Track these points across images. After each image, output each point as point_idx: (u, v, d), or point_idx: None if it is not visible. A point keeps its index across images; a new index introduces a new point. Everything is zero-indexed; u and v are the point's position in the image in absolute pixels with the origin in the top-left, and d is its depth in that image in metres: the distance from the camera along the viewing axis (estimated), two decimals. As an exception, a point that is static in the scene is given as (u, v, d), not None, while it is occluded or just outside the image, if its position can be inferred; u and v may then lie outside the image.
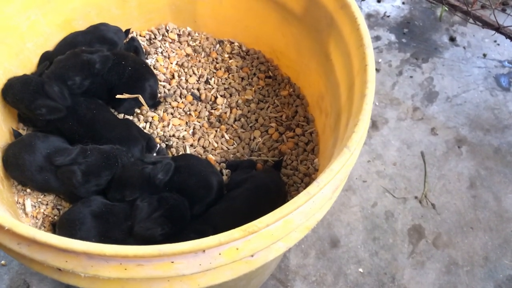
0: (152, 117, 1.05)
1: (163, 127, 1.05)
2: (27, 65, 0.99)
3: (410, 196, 1.31)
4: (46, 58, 1.01)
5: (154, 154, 1.00)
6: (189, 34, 1.20)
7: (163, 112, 1.07)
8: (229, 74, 1.14)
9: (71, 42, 1.04)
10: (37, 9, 0.94)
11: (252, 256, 0.67)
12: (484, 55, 1.61)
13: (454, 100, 1.50)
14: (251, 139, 1.05)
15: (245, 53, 1.17)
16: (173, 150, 1.02)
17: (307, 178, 0.97)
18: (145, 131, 1.03)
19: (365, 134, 0.72)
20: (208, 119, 1.07)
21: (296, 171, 0.99)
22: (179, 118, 1.07)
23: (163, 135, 1.04)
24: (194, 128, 1.05)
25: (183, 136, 1.04)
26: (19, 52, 0.96)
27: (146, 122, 1.05)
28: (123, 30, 1.12)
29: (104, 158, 0.88)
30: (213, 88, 1.11)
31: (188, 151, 1.01)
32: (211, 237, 0.60)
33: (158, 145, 1.02)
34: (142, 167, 0.88)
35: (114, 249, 0.58)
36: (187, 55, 1.17)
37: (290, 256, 1.20)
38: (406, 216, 1.28)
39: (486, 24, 1.44)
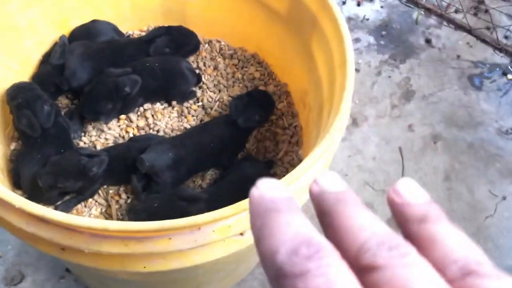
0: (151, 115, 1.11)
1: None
2: (26, 62, 1.04)
3: (389, 188, 1.38)
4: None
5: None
6: (178, 34, 1.26)
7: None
8: (217, 72, 1.20)
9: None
10: (37, 8, 0.99)
11: (242, 234, 0.73)
12: (458, 56, 1.69)
13: (430, 99, 1.58)
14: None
15: (232, 52, 1.23)
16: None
17: (292, 168, 1.03)
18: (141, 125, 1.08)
19: (346, 122, 0.78)
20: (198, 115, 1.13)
21: (281, 162, 1.06)
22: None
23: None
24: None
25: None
26: (19, 50, 1.00)
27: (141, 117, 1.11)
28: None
29: None
30: (203, 84, 1.17)
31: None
32: (205, 214, 0.66)
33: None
34: (79, 158, 0.91)
35: (117, 225, 0.64)
36: (177, 54, 1.22)
37: (276, 245, 1.26)
38: (385, 207, 1.34)
39: (458, 27, 1.53)
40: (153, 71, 1.06)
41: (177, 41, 1.15)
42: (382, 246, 0.20)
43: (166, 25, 1.18)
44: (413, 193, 0.25)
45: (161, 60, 1.09)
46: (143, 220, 0.85)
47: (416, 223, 0.23)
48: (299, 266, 0.18)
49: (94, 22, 1.14)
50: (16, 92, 0.95)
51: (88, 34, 1.12)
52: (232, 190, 0.95)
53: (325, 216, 0.24)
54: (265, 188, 0.23)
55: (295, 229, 0.20)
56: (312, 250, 0.19)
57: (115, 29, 1.17)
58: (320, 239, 0.20)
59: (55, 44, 1.08)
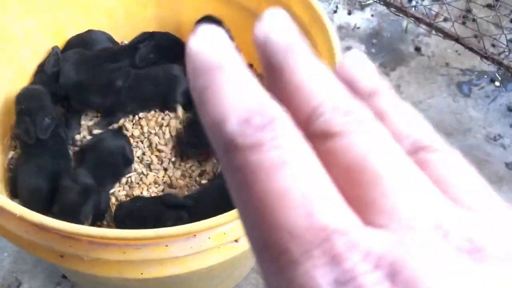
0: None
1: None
2: (21, 71, 1.05)
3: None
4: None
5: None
6: (172, 42, 1.27)
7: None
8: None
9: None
10: (33, 18, 1.01)
11: (236, 241, 0.75)
12: (447, 64, 1.73)
13: (419, 106, 1.61)
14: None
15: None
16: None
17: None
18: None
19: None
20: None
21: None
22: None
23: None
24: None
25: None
26: (14, 59, 1.02)
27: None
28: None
29: None
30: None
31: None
32: (201, 221, 0.68)
33: None
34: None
35: (115, 232, 0.66)
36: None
37: (269, 251, 1.28)
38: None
39: (446, 35, 1.56)
40: (150, 77, 1.08)
41: (161, 47, 1.16)
42: (338, 110, 0.18)
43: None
44: (362, 68, 0.22)
45: (158, 68, 1.11)
46: (125, 223, 0.89)
47: (365, 98, 0.20)
48: (251, 137, 0.16)
49: (89, 32, 1.16)
50: (23, 97, 0.97)
51: (83, 44, 1.14)
52: (219, 192, 0.95)
53: (272, 69, 0.20)
54: (205, 40, 0.19)
55: (245, 93, 0.18)
56: (265, 119, 0.17)
57: (110, 38, 1.19)
58: (274, 106, 0.17)
59: (49, 54, 1.09)
